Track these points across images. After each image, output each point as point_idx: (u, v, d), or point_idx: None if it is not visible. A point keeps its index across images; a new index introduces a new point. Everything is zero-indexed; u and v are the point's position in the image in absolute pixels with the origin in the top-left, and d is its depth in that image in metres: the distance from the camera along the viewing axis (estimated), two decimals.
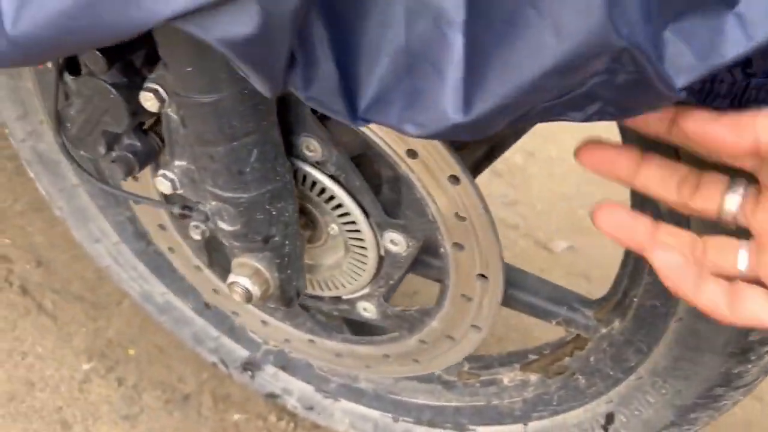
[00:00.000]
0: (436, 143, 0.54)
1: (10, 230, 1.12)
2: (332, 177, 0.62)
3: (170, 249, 0.83)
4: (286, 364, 0.97)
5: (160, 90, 0.54)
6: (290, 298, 0.67)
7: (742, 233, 0.42)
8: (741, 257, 0.42)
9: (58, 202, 0.93)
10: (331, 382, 0.95)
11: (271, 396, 1.00)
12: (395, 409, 0.92)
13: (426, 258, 0.67)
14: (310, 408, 0.98)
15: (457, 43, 0.34)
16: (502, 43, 0.34)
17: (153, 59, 0.56)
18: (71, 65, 0.59)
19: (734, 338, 0.56)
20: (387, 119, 0.38)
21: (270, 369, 0.99)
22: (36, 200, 1.16)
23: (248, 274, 0.63)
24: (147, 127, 0.63)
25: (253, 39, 0.33)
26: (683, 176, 0.42)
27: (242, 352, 0.99)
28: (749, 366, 0.59)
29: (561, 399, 0.76)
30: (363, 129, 0.57)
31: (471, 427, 0.86)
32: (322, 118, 0.58)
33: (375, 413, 0.94)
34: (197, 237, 0.68)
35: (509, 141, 0.75)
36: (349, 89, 0.38)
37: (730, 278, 0.42)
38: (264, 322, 0.85)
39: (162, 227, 0.80)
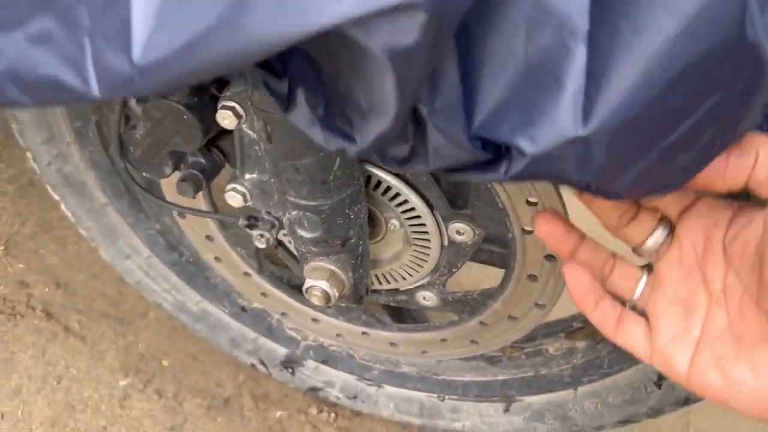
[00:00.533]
0: None
1: (23, 254, 1.09)
2: (397, 175, 0.63)
3: (217, 258, 0.83)
4: (327, 357, 0.99)
5: (237, 107, 0.55)
6: (361, 296, 0.68)
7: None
8: (638, 288, 0.49)
9: (85, 223, 0.91)
10: (374, 370, 0.98)
11: (313, 390, 1.02)
12: (441, 389, 0.95)
13: (488, 246, 0.70)
14: (354, 397, 1.00)
15: (579, 54, 0.33)
16: (628, 50, 0.33)
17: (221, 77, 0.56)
18: None
19: None
20: (499, 135, 0.37)
21: (311, 364, 1.00)
22: (44, 222, 1.14)
23: (325, 277, 0.64)
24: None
25: (417, 47, 0.31)
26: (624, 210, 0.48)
27: (281, 351, 1.00)
28: None
29: (612, 362, 0.80)
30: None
31: (519, 397, 0.90)
32: None
33: (420, 395, 0.97)
34: (262, 246, 0.68)
35: None
36: (467, 104, 0.37)
37: (623, 301, 0.50)
38: (315, 320, 0.86)
39: (209, 238, 0.80)
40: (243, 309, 0.98)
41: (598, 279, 0.50)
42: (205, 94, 0.58)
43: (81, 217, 0.91)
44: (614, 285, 0.50)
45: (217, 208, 0.76)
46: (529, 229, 0.63)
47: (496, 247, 0.70)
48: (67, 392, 0.98)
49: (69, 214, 0.91)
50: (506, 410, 0.91)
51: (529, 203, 0.61)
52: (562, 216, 0.51)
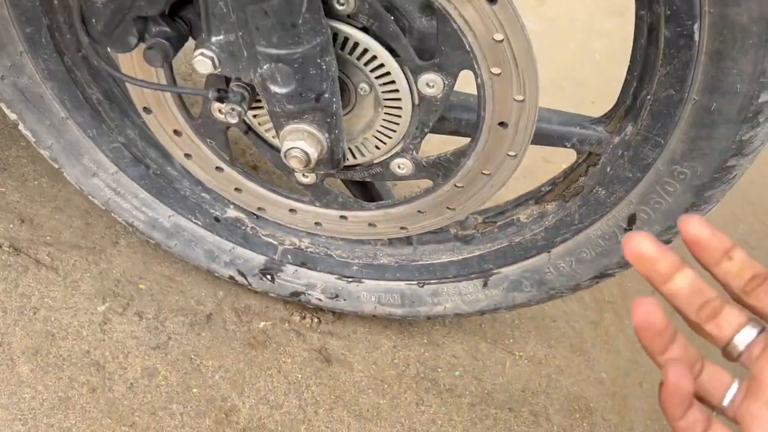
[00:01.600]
0: None
1: None
2: (364, 29, 0.64)
3: (187, 155, 0.82)
4: (305, 260, 0.99)
5: None
6: (338, 159, 0.69)
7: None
8: (729, 394, 0.45)
9: (46, 141, 0.89)
10: (353, 266, 0.99)
11: (295, 294, 1.02)
12: (420, 274, 0.96)
13: (454, 114, 0.71)
14: (335, 296, 1.01)
15: None
16: None
17: None
18: None
19: (747, 102, 0.63)
20: None
21: (290, 269, 1.01)
22: (3, 160, 1.10)
23: (303, 138, 0.65)
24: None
25: None
26: (708, 299, 0.43)
27: (259, 259, 1.00)
28: (758, 129, 0.66)
29: (582, 216, 0.82)
30: None
31: (496, 270, 0.92)
32: None
33: (400, 284, 0.98)
34: (234, 120, 0.68)
35: None
36: None
37: (711, 406, 0.46)
38: (292, 210, 0.87)
39: (177, 133, 0.79)
40: (216, 219, 0.97)
41: None
42: None
43: (41, 135, 0.88)
44: (701, 388, 0.46)
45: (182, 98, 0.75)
46: (497, 71, 0.64)
47: (462, 113, 0.72)
48: (46, 322, 0.96)
49: (28, 134, 0.88)
50: (485, 285, 0.93)
51: (495, 41, 0.62)
52: (661, 308, 0.45)
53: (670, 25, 0.61)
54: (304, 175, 0.79)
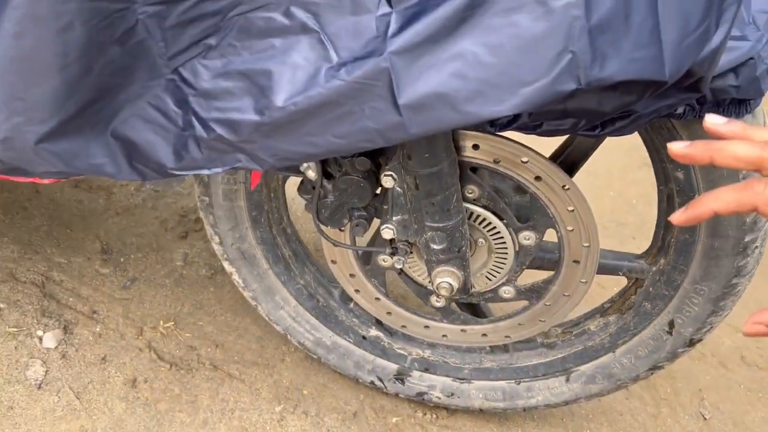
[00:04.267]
0: (552, 168, 0.93)
1: (188, 327, 1.41)
2: (484, 207, 0.99)
3: (356, 291, 1.17)
4: (428, 366, 1.30)
5: (393, 173, 0.91)
6: (468, 288, 1.02)
7: None
8: None
9: (251, 285, 1.25)
10: (464, 370, 1.29)
11: (419, 394, 1.32)
12: (516, 374, 1.26)
13: (541, 254, 1.04)
14: (451, 395, 1.30)
15: None
16: None
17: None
18: (326, 173, 0.95)
19: (737, 242, 0.95)
20: None
21: (416, 374, 1.31)
22: (197, 302, 1.47)
23: (448, 276, 0.99)
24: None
25: None
26: None
27: (393, 366, 1.31)
28: (748, 258, 0.97)
29: (636, 324, 1.12)
30: (500, 168, 0.94)
31: (575, 368, 1.21)
32: (473, 170, 0.96)
33: (502, 383, 1.27)
34: (398, 266, 1.02)
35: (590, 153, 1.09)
36: None
37: None
38: (426, 326, 1.19)
39: (352, 275, 1.14)
40: (363, 337, 1.30)
41: None
42: (371, 168, 0.94)
43: (249, 282, 1.25)
44: None
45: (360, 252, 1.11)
46: (571, 228, 0.98)
47: (547, 255, 1.05)
48: (240, 419, 1.27)
49: (240, 281, 1.25)
50: (567, 380, 1.22)
51: (569, 211, 0.96)
52: None
53: (681, 196, 0.95)
54: (437, 300, 1.12)
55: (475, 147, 0.92)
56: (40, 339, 1.31)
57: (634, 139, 0.97)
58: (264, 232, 1.19)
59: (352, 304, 1.30)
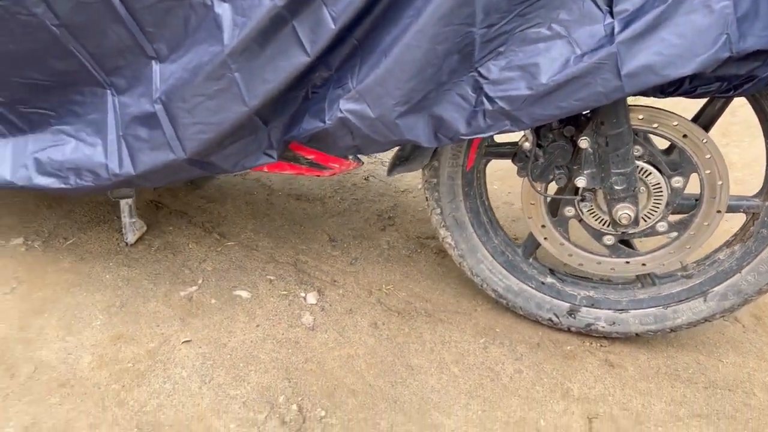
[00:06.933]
0: (695, 127, 1.33)
1: (402, 289, 1.82)
2: (648, 162, 1.40)
3: (545, 239, 1.57)
4: (593, 302, 1.68)
5: (587, 137, 1.33)
6: (638, 221, 1.42)
7: None
8: None
9: (460, 246, 1.67)
10: (622, 302, 1.66)
11: (588, 325, 1.69)
12: (664, 301, 1.62)
13: (680, 201, 1.44)
14: (613, 323, 1.67)
15: None
16: None
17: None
18: (538, 145, 1.38)
19: None
20: None
21: (584, 309, 1.69)
22: (405, 273, 1.89)
23: (627, 209, 1.39)
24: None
25: None
26: None
27: (566, 305, 1.69)
28: None
29: (756, 247, 1.49)
30: (658, 130, 1.36)
31: (710, 290, 1.57)
32: (637, 134, 1.37)
33: (653, 309, 1.64)
34: (586, 210, 1.43)
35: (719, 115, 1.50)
36: None
37: None
38: (599, 263, 1.58)
39: (543, 226, 1.55)
40: (542, 283, 1.69)
41: None
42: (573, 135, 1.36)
43: (459, 243, 1.66)
44: None
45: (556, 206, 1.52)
46: (708, 172, 1.38)
47: (685, 200, 1.45)
48: (456, 347, 1.66)
49: (452, 243, 1.67)
50: (704, 300, 1.58)
51: (706, 158, 1.36)
52: None
53: None
54: (608, 239, 1.52)
55: (641, 118, 1.34)
56: (305, 298, 1.75)
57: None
58: (472, 203, 1.62)
59: (531, 259, 1.70)
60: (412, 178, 2.34)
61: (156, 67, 1.17)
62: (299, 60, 1.11)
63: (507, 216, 2.23)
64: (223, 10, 1.08)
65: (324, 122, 1.21)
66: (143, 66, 1.18)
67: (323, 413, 1.45)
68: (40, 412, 1.39)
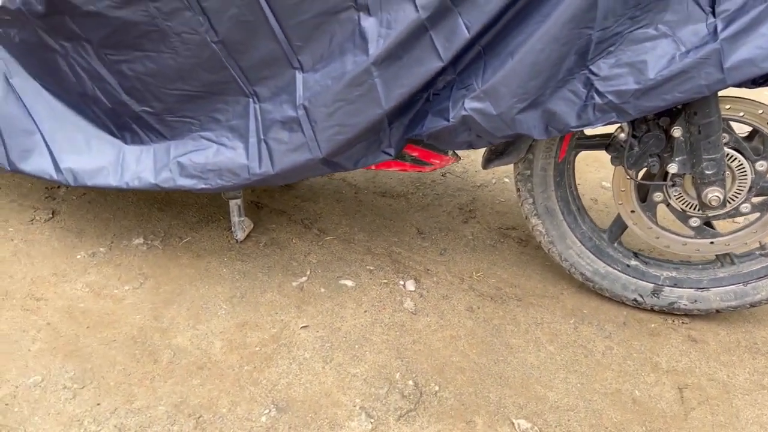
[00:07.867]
0: None
1: (491, 276, 1.95)
2: (733, 148, 1.51)
3: (634, 223, 1.69)
4: (676, 282, 1.78)
5: (680, 126, 1.45)
6: (725, 202, 1.53)
7: None
8: None
9: (551, 233, 1.78)
10: (704, 281, 1.76)
11: (671, 304, 1.80)
12: (743, 278, 1.72)
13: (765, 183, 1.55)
14: (695, 301, 1.78)
15: None
16: None
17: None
18: (634, 135, 1.49)
19: None
20: None
21: (667, 289, 1.79)
22: (491, 261, 2.01)
23: (716, 193, 1.50)
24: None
25: None
26: None
27: (650, 285, 1.80)
28: None
29: None
30: (744, 119, 1.46)
31: None
32: (725, 123, 1.48)
33: (733, 287, 1.74)
34: (675, 194, 1.54)
35: None
36: None
37: None
38: (684, 244, 1.69)
39: (633, 212, 1.66)
40: (627, 266, 1.80)
41: None
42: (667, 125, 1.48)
43: (549, 230, 1.78)
44: None
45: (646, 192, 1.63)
46: None
47: (766, 183, 1.55)
48: (549, 327, 1.77)
49: (542, 230, 1.78)
50: None
51: None
52: None
53: None
54: (694, 221, 1.63)
55: (728, 107, 1.45)
56: (404, 285, 1.88)
57: None
58: (562, 192, 1.74)
59: (616, 243, 1.81)
60: (486, 174, 2.46)
61: (299, 76, 1.30)
62: (433, 65, 1.24)
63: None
64: (369, 24, 1.21)
65: (448, 120, 1.34)
66: (287, 76, 1.31)
67: (437, 388, 1.57)
68: (185, 391, 1.53)
